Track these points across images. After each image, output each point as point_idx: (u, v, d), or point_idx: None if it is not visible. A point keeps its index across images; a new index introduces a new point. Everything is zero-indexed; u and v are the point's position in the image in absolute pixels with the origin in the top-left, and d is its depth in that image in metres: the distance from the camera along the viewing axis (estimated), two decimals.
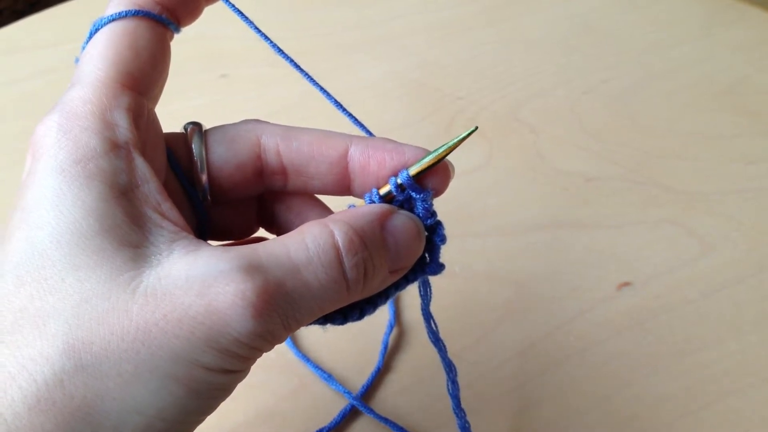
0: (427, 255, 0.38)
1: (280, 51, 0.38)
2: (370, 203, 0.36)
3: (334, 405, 0.54)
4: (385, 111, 0.81)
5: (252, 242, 0.33)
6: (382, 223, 0.34)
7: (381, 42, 0.91)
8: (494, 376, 0.56)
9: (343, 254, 0.32)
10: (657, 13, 0.99)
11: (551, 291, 0.62)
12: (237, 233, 0.41)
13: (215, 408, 0.32)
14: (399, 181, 0.36)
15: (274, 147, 0.37)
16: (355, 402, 0.53)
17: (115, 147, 0.32)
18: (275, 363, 0.56)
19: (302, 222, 0.36)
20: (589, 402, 0.54)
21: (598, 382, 0.56)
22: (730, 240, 0.67)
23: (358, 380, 0.55)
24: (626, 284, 0.63)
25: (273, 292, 0.30)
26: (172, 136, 0.38)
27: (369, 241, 0.33)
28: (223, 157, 0.37)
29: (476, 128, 0.36)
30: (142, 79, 0.34)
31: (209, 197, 0.38)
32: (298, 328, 0.32)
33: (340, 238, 0.32)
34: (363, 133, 0.39)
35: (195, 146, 0.37)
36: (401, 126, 0.79)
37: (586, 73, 0.87)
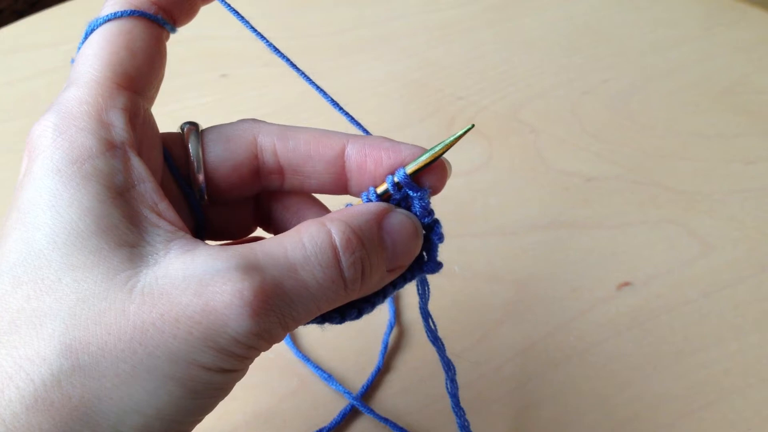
0: (424, 253, 0.38)
1: (277, 51, 0.38)
2: (367, 202, 0.36)
3: (334, 405, 0.54)
4: (385, 111, 0.81)
5: (249, 242, 0.33)
6: (379, 221, 0.34)
7: (381, 42, 0.91)
8: (494, 376, 0.56)
9: (341, 253, 0.32)
10: (657, 13, 0.98)
11: (551, 291, 0.62)
12: (234, 233, 0.41)
13: (213, 407, 0.32)
14: (396, 179, 0.36)
15: (270, 146, 0.37)
16: (355, 402, 0.53)
17: (111, 147, 0.32)
18: (275, 363, 0.56)
19: (299, 221, 0.35)
20: (589, 402, 0.54)
21: (598, 382, 0.56)
22: (730, 240, 0.67)
23: (358, 380, 0.55)
24: (626, 284, 0.63)
25: (270, 292, 0.30)
26: (169, 136, 0.38)
27: (366, 239, 0.33)
28: (220, 156, 0.37)
29: (472, 126, 0.36)
30: (138, 79, 0.34)
31: (206, 197, 0.38)
32: (296, 327, 0.32)
33: (337, 237, 0.32)
34: (360, 133, 0.39)
35: (192, 146, 0.37)
36: (401, 126, 0.79)
37: (586, 73, 0.87)
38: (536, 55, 0.90)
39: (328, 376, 0.54)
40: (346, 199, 0.39)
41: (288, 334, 0.49)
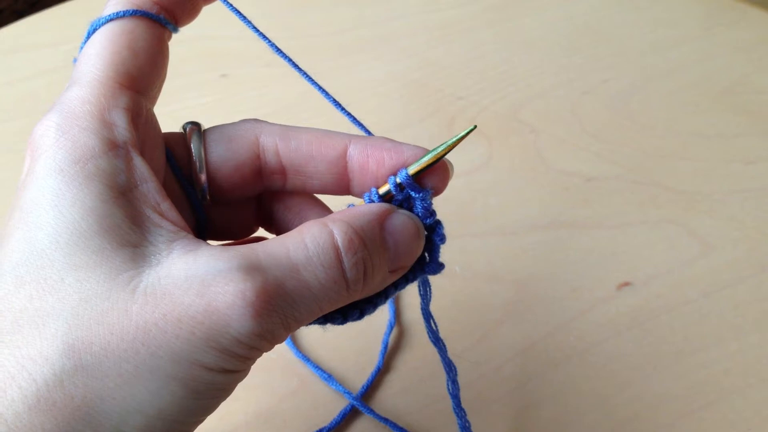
0: (426, 254, 0.38)
1: (279, 51, 0.38)
2: (369, 202, 0.36)
3: (334, 405, 0.54)
4: (385, 111, 0.81)
5: (251, 242, 0.33)
6: (381, 222, 0.34)
7: (381, 42, 0.91)
8: (495, 376, 0.56)
9: (343, 254, 0.32)
10: (657, 13, 0.99)
11: (551, 291, 0.62)
12: (236, 233, 0.41)
13: (215, 408, 0.32)
14: (398, 180, 0.36)
15: (272, 146, 0.37)
16: (355, 402, 0.53)
17: (113, 147, 0.32)
18: (275, 363, 0.56)
19: (301, 221, 0.36)
20: (589, 402, 0.54)
21: (598, 382, 0.56)
22: (730, 240, 0.67)
23: (358, 380, 0.55)
24: (626, 284, 0.63)
25: (272, 292, 0.30)
26: (171, 136, 0.38)
27: (368, 240, 0.33)
28: (222, 156, 0.37)
29: (475, 127, 0.36)
30: (140, 78, 0.34)
31: (208, 197, 0.38)
32: (298, 328, 0.32)
33: (339, 238, 0.32)
34: (362, 133, 0.39)
35: (194, 146, 0.37)
36: (401, 126, 0.79)
37: (586, 73, 0.87)
38: (536, 55, 0.90)
39: (328, 376, 0.54)
40: (348, 199, 0.39)
41: (290, 334, 0.49)
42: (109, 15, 0.35)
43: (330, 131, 0.37)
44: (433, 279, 0.39)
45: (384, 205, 0.35)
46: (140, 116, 0.34)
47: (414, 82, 0.85)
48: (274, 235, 0.38)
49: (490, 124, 0.79)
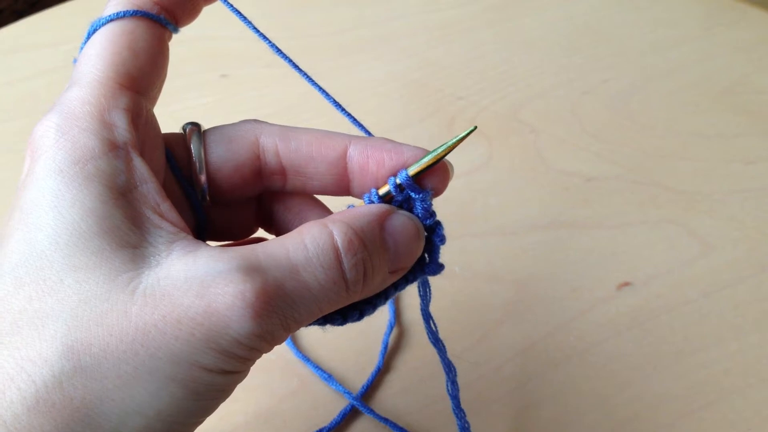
0: (426, 255, 0.38)
1: (279, 51, 0.38)
2: (369, 203, 0.36)
3: (334, 405, 0.54)
4: (385, 111, 0.81)
5: (251, 243, 0.33)
6: (381, 223, 0.34)
7: (381, 42, 0.91)
8: (494, 377, 0.56)
9: (343, 255, 0.32)
10: (657, 13, 0.98)
11: (551, 291, 0.62)
12: (236, 234, 0.41)
13: (215, 409, 0.32)
14: (398, 181, 0.36)
15: (272, 147, 0.37)
16: (355, 402, 0.53)
17: (113, 148, 0.32)
18: (275, 363, 0.56)
19: (301, 222, 0.35)
20: (589, 402, 0.54)
21: (598, 382, 0.56)
22: (730, 240, 0.67)
23: (358, 380, 0.55)
24: (626, 284, 0.63)
25: (272, 293, 0.30)
26: (171, 137, 0.38)
27: (368, 241, 0.33)
28: (222, 157, 0.37)
29: (475, 128, 0.36)
30: (140, 79, 0.34)
31: (208, 198, 0.38)
32: (298, 329, 0.32)
33: (339, 239, 0.32)
34: (362, 133, 0.39)
35: (194, 147, 0.37)
36: (401, 126, 0.79)
37: (586, 73, 0.87)
38: (536, 55, 0.90)
39: (328, 376, 0.54)
40: (348, 200, 0.39)
41: (289, 335, 0.49)
42: (110, 15, 0.35)
43: (330, 132, 0.37)
44: (433, 279, 0.39)
45: (384, 206, 0.35)
46: (140, 117, 0.34)
47: (414, 82, 0.85)
48: (273, 236, 0.38)
49: (490, 124, 0.79)
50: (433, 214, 0.37)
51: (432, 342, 0.41)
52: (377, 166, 0.36)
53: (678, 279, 0.63)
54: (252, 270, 0.29)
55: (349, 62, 0.88)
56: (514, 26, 0.95)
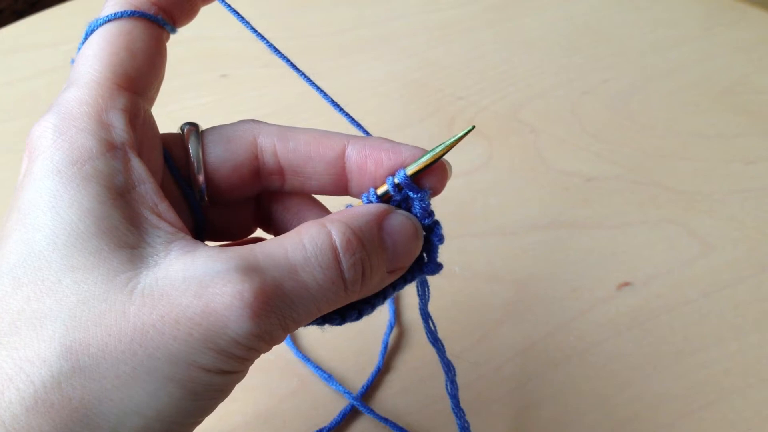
0: (425, 255, 0.38)
1: (277, 51, 0.38)
2: (367, 203, 0.36)
3: (334, 405, 0.54)
4: (385, 111, 0.81)
5: (249, 243, 0.33)
6: (379, 222, 0.34)
7: (381, 42, 0.91)
8: (494, 377, 0.56)
9: (341, 254, 0.32)
10: (657, 13, 0.98)
11: (551, 291, 0.62)
12: (234, 234, 0.41)
13: (213, 409, 0.32)
14: (396, 180, 0.36)
15: (271, 147, 0.37)
16: (355, 402, 0.53)
17: (111, 148, 0.32)
18: (275, 364, 0.56)
19: (300, 222, 0.35)
20: (589, 402, 0.54)
21: (598, 382, 0.56)
22: (730, 240, 0.67)
23: (358, 380, 0.55)
24: (626, 284, 0.63)
25: (270, 293, 0.29)
26: (169, 137, 0.38)
27: (367, 241, 0.33)
28: (220, 157, 0.37)
29: (473, 127, 0.36)
30: (138, 79, 0.34)
31: (206, 198, 0.38)
32: (296, 328, 0.32)
33: (337, 239, 0.32)
34: (360, 133, 0.39)
35: (192, 147, 0.37)
36: (401, 126, 0.79)
37: (586, 73, 0.87)
38: (536, 55, 0.90)
39: (328, 376, 0.54)
40: (347, 200, 0.39)
41: (288, 335, 0.49)
42: (107, 16, 0.35)
43: (328, 132, 0.37)
44: (432, 279, 0.39)
45: (382, 206, 0.35)
46: (138, 117, 0.34)
47: (414, 82, 0.85)
48: (272, 236, 0.38)
49: (490, 124, 0.79)
50: (431, 213, 0.36)
51: (431, 341, 0.41)
52: (375, 165, 0.36)
53: (678, 279, 0.63)
54: (250, 270, 0.29)
55: (349, 62, 0.88)
56: (514, 26, 0.95)
